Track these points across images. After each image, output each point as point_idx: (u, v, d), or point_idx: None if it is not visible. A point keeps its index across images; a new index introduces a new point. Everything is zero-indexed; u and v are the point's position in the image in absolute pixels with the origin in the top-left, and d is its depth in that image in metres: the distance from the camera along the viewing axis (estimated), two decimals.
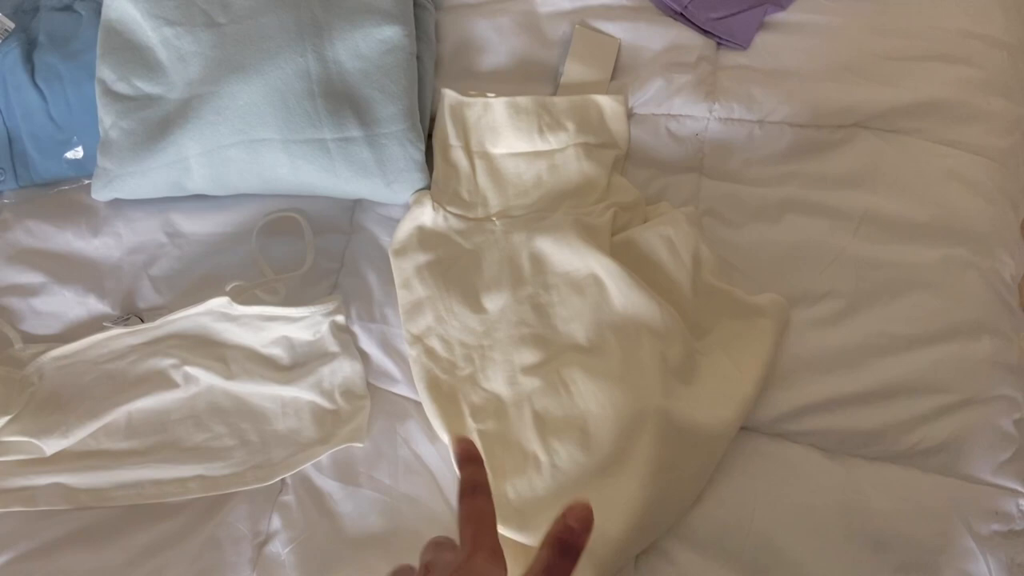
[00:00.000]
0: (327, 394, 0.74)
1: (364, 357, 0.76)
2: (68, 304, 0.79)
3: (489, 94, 0.81)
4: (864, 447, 0.70)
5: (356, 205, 0.82)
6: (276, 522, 0.71)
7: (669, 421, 0.68)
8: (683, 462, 0.68)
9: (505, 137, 0.80)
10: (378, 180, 0.76)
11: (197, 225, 0.81)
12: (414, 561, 0.48)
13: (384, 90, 0.76)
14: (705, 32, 0.84)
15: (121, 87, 0.77)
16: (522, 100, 0.80)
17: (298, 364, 0.75)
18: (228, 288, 0.74)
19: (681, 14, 0.85)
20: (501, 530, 0.66)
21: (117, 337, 0.75)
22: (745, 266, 0.77)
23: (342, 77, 0.75)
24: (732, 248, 0.78)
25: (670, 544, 0.67)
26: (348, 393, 0.74)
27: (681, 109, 0.82)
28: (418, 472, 0.72)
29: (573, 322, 0.73)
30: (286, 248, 0.80)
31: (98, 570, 0.68)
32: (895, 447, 0.69)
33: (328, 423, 0.73)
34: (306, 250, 0.79)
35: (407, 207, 0.80)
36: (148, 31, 0.77)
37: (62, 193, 0.83)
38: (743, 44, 0.83)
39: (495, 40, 0.85)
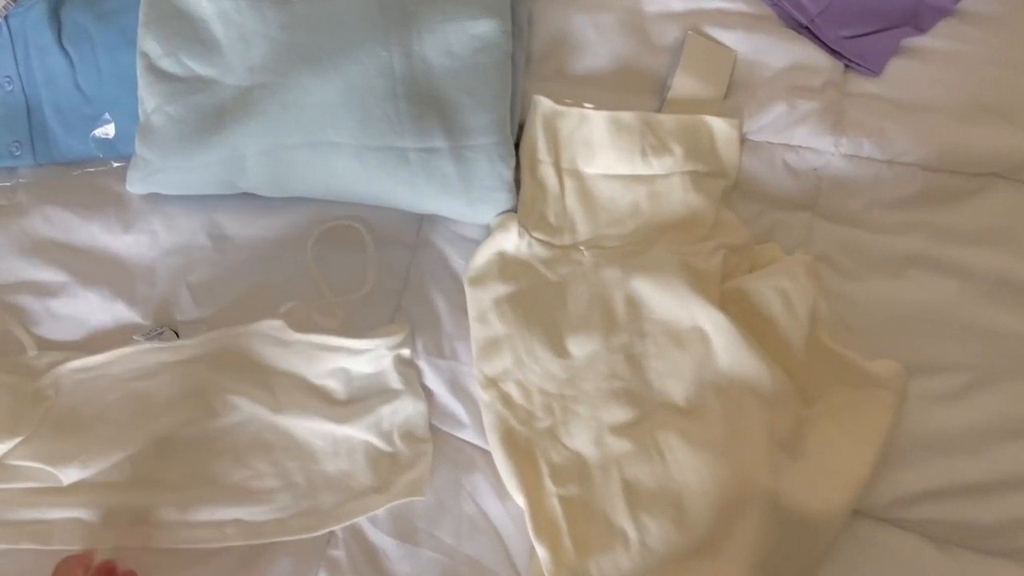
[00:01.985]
0: (385, 436, 0.65)
1: (428, 396, 0.68)
2: (92, 309, 0.69)
3: (587, 104, 0.71)
4: (980, 541, 0.64)
5: (424, 218, 0.73)
6: None
7: (777, 504, 0.61)
8: (789, 550, 0.62)
9: (602, 156, 0.71)
10: (460, 198, 0.67)
11: (245, 228, 0.71)
12: None
13: (475, 95, 0.66)
14: (832, 52, 0.74)
15: (168, 64, 0.67)
16: (625, 116, 0.70)
17: (355, 399, 0.66)
18: (282, 310, 0.65)
19: (807, 28, 0.75)
20: None
21: (148, 352, 0.65)
22: (859, 324, 0.69)
23: (428, 77, 0.65)
24: (845, 302, 0.70)
25: None
26: (409, 436, 0.66)
27: (803, 140, 0.72)
28: (484, 532, 0.65)
29: (670, 378, 0.65)
30: (343, 261, 0.70)
31: None
32: (1013, 543, 0.63)
33: (385, 468, 0.65)
34: (366, 266, 0.70)
35: (487, 229, 0.70)
36: (203, 0, 0.66)
37: (87, 176, 0.73)
38: (875, 69, 0.74)
39: (594, 39, 0.75)
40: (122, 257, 0.70)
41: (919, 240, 0.71)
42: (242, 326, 0.65)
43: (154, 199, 0.71)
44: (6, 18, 0.71)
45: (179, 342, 0.66)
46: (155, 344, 0.66)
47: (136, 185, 0.69)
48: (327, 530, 0.63)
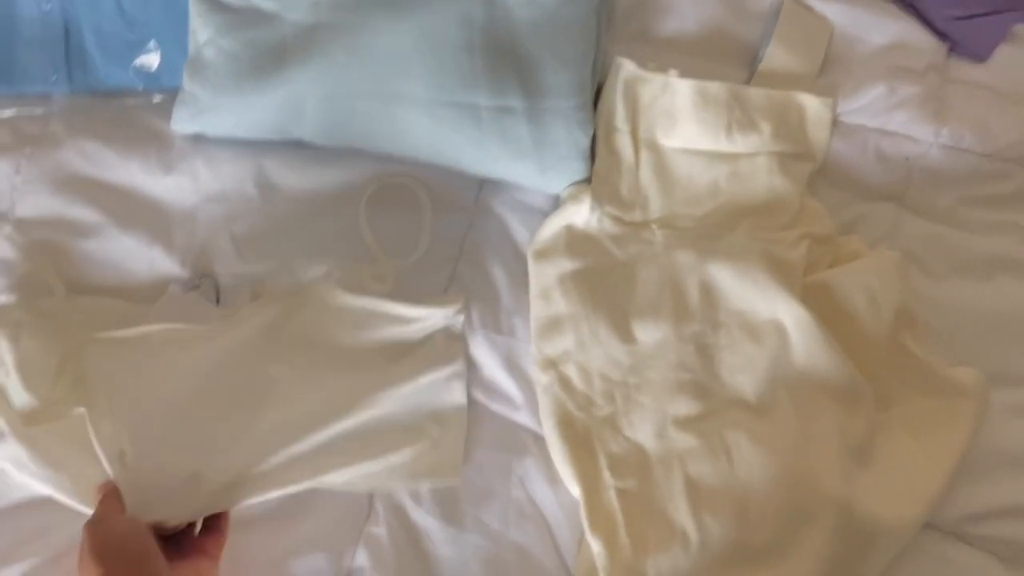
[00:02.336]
0: (418, 411, 0.61)
1: (480, 372, 0.64)
2: (128, 254, 0.65)
3: (672, 70, 0.66)
4: None
5: (485, 182, 0.68)
6: (362, 557, 0.60)
7: (846, 513, 0.58)
8: (856, 562, 0.59)
9: (683, 128, 0.66)
10: (532, 164, 0.62)
11: (295, 179, 0.66)
12: None
13: (556, 53, 0.61)
14: (937, 32, 0.69)
15: None
16: (713, 86, 0.65)
17: (393, 368, 0.62)
18: (327, 270, 0.61)
19: (911, 5, 0.69)
20: None
21: (185, 331, 0.60)
22: (940, 327, 0.66)
23: (509, 29, 0.60)
24: (927, 302, 0.66)
25: None
26: (441, 416, 0.62)
27: (900, 127, 0.68)
28: (532, 519, 0.62)
29: (742, 374, 0.62)
30: (397, 222, 0.66)
31: None
32: None
33: (413, 445, 0.61)
34: (421, 229, 0.66)
35: (554, 199, 0.66)
36: None
37: (126, 109, 0.68)
38: (982, 54, 0.69)
39: (683, 1, 0.69)
40: (162, 201, 0.66)
41: (1012, 242, 0.67)
42: (289, 290, 0.61)
43: (199, 140, 0.67)
44: None
45: (217, 322, 0.60)
46: (192, 298, 0.61)
47: (182, 124, 0.64)
48: (339, 481, 0.59)
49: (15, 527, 0.59)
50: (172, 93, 0.66)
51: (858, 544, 0.59)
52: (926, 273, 0.67)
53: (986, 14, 0.69)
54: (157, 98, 0.68)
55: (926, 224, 0.68)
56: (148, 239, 0.65)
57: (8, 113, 0.68)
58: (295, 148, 0.66)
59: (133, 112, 0.68)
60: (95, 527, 0.52)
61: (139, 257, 0.65)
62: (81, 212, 0.65)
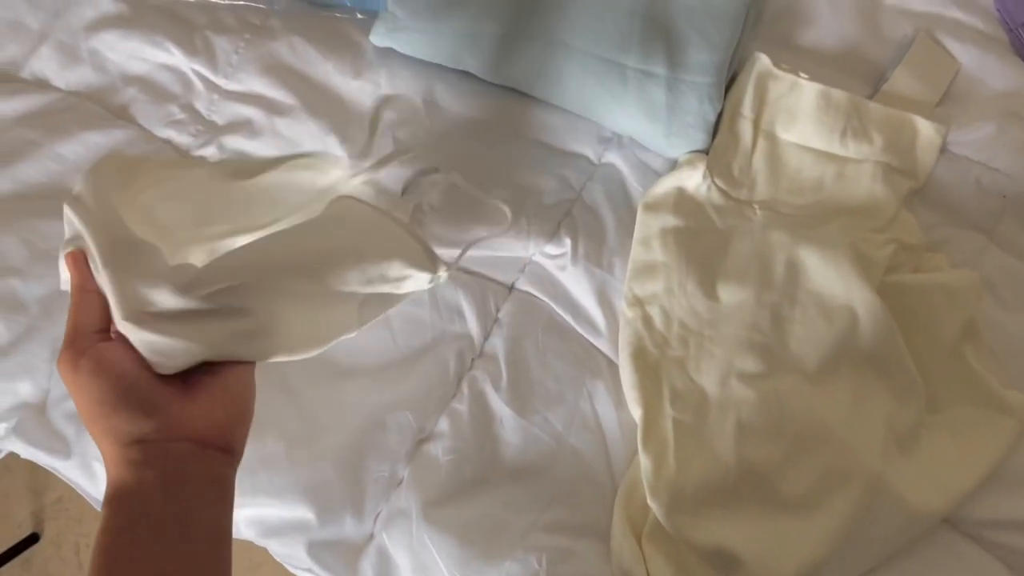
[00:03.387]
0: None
1: (572, 298, 0.72)
2: (309, 135, 0.76)
3: (802, 74, 0.73)
4: None
5: (613, 139, 0.77)
6: (443, 424, 0.69)
7: (878, 488, 0.63)
8: (875, 533, 0.64)
9: (802, 126, 0.73)
10: (660, 127, 0.71)
11: (456, 104, 0.77)
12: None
13: (704, 34, 0.69)
14: None
15: None
16: (836, 93, 0.72)
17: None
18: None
19: None
20: (666, 520, 0.63)
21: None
22: (1004, 353, 0.70)
23: (667, 6, 0.69)
24: (995, 329, 0.70)
25: None
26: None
27: (1003, 164, 0.73)
28: (591, 430, 0.69)
29: (809, 346, 0.68)
30: (531, 158, 0.75)
31: None
32: None
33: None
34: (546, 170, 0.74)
35: (673, 163, 0.74)
36: None
37: (334, 20, 0.80)
38: None
39: (827, 15, 0.77)
40: (346, 98, 0.77)
41: None
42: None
43: (386, 54, 0.77)
44: None
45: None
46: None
47: (379, 37, 0.75)
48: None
49: None
50: (372, 15, 0.77)
51: (880, 518, 0.63)
52: (998, 302, 0.71)
53: None
54: (360, 16, 0.79)
55: (1010, 259, 0.72)
56: (328, 127, 0.75)
57: (239, 1, 0.80)
58: (463, 77, 0.76)
59: (339, 23, 0.79)
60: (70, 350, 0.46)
61: (317, 140, 0.75)
62: (280, 94, 0.77)
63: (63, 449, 0.68)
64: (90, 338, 0.48)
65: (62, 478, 0.71)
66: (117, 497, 0.46)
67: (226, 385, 0.50)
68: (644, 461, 0.66)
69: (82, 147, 0.75)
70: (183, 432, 0.47)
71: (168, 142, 0.76)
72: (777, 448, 0.65)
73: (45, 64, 0.79)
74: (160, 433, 0.46)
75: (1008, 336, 0.70)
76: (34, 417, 0.69)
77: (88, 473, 0.69)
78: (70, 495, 1.47)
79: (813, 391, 0.66)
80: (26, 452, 0.70)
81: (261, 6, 0.80)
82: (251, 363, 0.52)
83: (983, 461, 0.66)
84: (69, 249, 0.51)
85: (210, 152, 0.76)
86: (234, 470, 0.51)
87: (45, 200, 0.74)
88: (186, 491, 0.47)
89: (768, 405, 0.66)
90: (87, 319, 0.48)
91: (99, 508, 0.55)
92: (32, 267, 0.71)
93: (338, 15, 0.80)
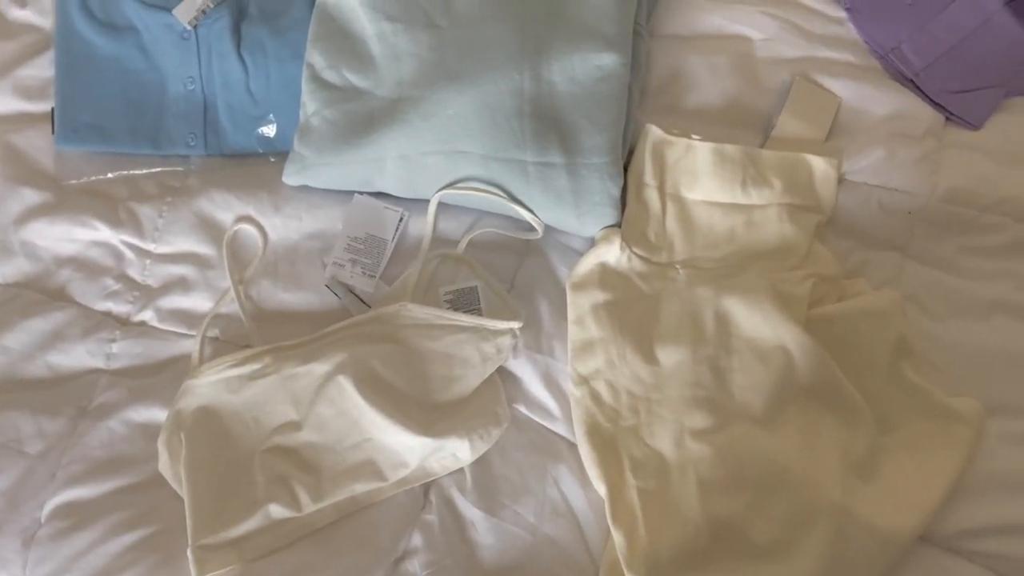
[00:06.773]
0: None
1: (522, 388, 0.74)
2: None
3: (694, 136, 0.77)
4: None
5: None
6: (417, 539, 0.70)
7: (846, 520, 0.64)
8: (854, 566, 0.64)
9: (704, 184, 0.76)
10: (570, 211, 0.74)
11: None
12: None
13: (592, 119, 0.73)
14: (935, 104, 0.78)
15: (330, 75, 0.77)
16: (729, 148, 0.76)
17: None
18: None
19: (912, 81, 0.79)
20: None
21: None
22: (942, 363, 0.72)
23: (552, 100, 0.73)
24: (930, 341, 0.73)
25: None
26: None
27: (900, 184, 0.76)
28: (564, 516, 0.70)
29: (751, 392, 0.70)
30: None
31: None
32: None
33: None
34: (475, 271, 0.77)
35: (592, 241, 0.77)
36: (365, 23, 0.76)
37: (248, 167, 0.83)
38: (976, 124, 0.77)
39: (707, 79, 0.81)
40: (271, 236, 0.80)
41: (1008, 288, 0.73)
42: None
43: (302, 190, 0.80)
44: (196, 28, 0.83)
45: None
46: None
47: (291, 177, 0.79)
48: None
49: None
50: (283, 155, 0.81)
51: (856, 550, 0.64)
52: (927, 315, 0.74)
53: (979, 88, 0.78)
54: (272, 160, 0.83)
55: (928, 271, 0.75)
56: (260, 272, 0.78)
57: (156, 170, 0.83)
58: (376, 198, 0.80)
59: (253, 169, 0.83)
60: None
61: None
62: (207, 248, 0.79)
63: None
64: None
65: None
66: None
67: None
68: (616, 536, 0.66)
69: (26, 335, 0.77)
70: None
71: (108, 314, 0.78)
72: (741, 498, 0.66)
73: None
74: None
75: (943, 345, 0.72)
76: None
77: None
78: None
79: (764, 435, 0.68)
80: None
81: (178, 168, 0.84)
82: None
83: (945, 472, 0.67)
84: None
85: (148, 316, 0.78)
86: None
87: None
88: None
89: (724, 457, 0.68)
90: None
91: None
92: None
93: (251, 162, 0.83)
